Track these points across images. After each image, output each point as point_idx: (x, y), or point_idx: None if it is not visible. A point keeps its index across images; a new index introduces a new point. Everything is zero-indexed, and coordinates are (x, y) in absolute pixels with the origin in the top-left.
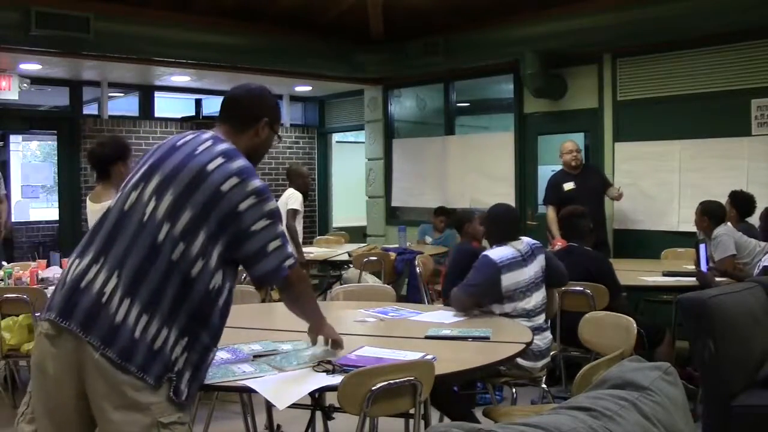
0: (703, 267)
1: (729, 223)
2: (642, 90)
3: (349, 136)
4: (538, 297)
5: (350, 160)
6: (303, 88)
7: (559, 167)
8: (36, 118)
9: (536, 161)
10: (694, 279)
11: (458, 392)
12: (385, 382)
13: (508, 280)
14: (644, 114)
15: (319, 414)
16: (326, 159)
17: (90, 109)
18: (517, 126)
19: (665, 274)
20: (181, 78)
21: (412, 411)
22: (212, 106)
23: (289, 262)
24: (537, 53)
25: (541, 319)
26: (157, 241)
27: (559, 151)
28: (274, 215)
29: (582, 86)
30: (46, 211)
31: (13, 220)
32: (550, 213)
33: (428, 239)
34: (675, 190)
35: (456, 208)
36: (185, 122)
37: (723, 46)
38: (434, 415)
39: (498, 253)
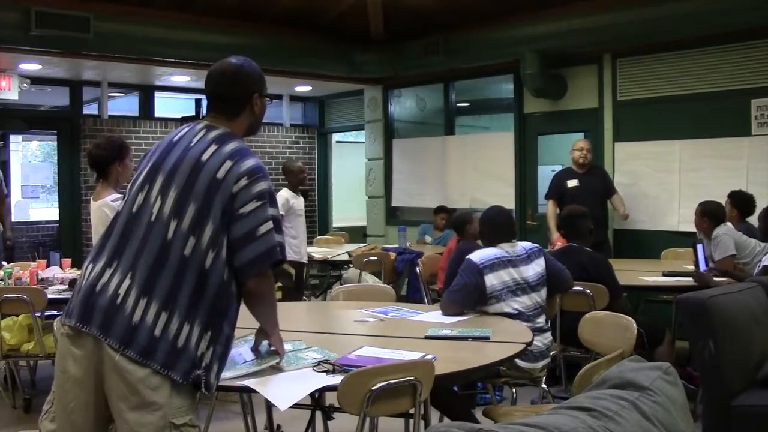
0: (702, 267)
1: (729, 223)
2: (642, 90)
3: (349, 136)
4: (534, 299)
5: (350, 160)
6: (303, 88)
7: (558, 167)
8: (36, 118)
9: (536, 161)
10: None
11: (458, 392)
12: (385, 382)
13: (492, 280)
14: (644, 114)
15: (319, 414)
16: (326, 159)
17: (90, 109)
18: (517, 126)
19: (665, 274)
20: (181, 78)
21: (412, 411)
22: None
23: (277, 252)
24: (537, 53)
25: (541, 320)
26: (166, 239)
27: (569, 149)
28: (264, 196)
29: (582, 86)
30: (46, 211)
31: (13, 220)
32: (550, 207)
33: (428, 239)
34: (675, 190)
35: (456, 208)
36: (185, 122)
37: (723, 46)
38: (434, 415)
39: (481, 254)
